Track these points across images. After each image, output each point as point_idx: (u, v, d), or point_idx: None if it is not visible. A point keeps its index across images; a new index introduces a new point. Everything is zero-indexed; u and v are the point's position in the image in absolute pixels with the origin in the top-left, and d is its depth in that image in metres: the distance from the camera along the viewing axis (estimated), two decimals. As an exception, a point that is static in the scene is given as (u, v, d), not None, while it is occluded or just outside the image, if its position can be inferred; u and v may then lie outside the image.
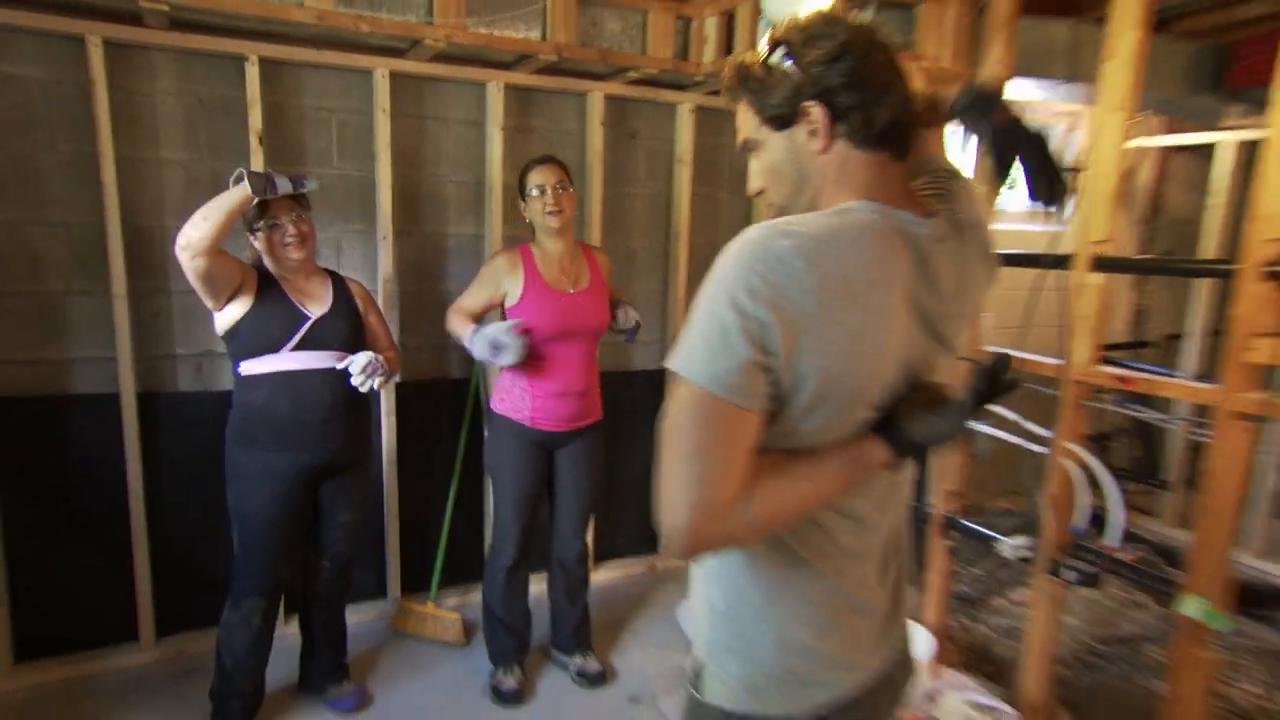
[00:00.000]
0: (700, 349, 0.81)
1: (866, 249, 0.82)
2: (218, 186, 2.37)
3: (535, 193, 2.22)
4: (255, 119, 2.37)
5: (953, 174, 0.99)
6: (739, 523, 0.81)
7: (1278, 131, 1.63)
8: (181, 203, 2.37)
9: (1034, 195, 0.82)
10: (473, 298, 2.30)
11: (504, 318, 2.27)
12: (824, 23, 0.88)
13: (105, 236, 2.26)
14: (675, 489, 0.80)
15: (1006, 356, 0.84)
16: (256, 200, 1.94)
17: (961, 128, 0.88)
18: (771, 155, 0.94)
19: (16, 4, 2.10)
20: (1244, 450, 1.77)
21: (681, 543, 0.81)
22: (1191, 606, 1.78)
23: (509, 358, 2.15)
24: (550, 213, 2.21)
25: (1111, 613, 2.73)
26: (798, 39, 0.87)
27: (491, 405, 2.36)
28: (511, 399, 2.30)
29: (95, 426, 2.35)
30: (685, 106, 3.01)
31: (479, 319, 2.30)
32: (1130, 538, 3.52)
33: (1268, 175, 1.67)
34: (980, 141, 0.85)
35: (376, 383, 2.07)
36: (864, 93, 0.86)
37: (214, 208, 1.86)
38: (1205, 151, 3.65)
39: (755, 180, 0.98)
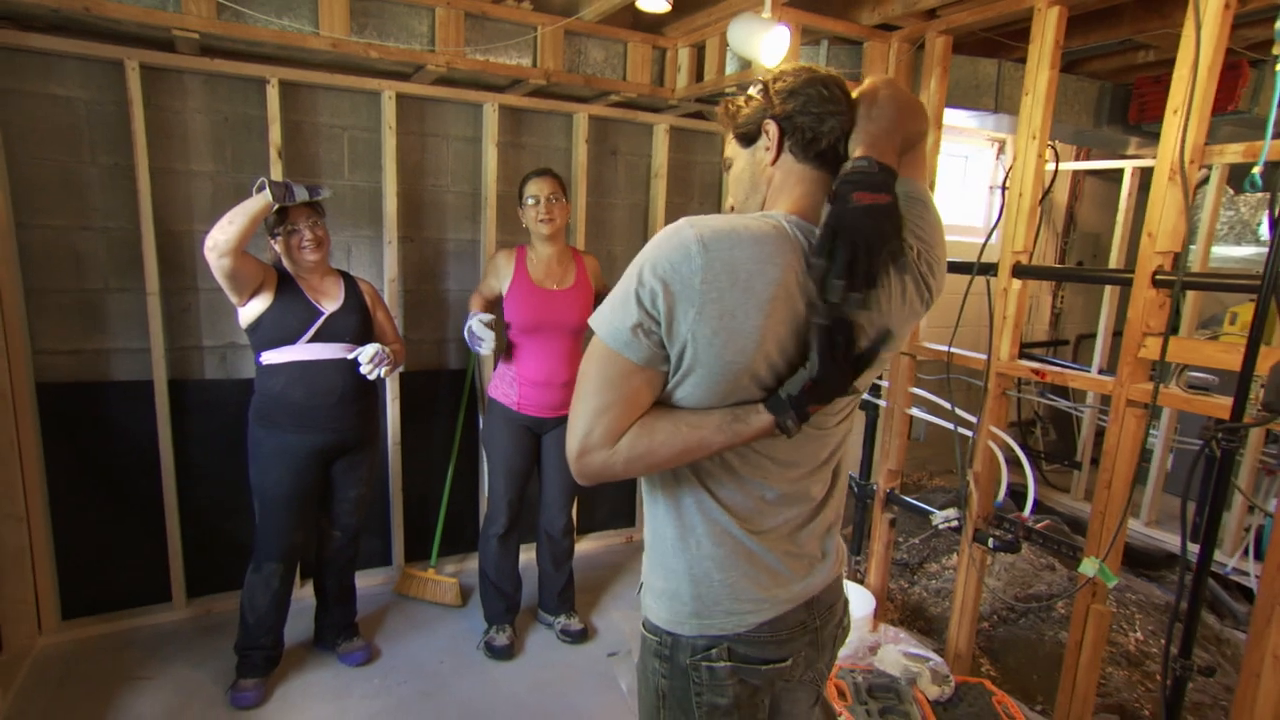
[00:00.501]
0: (607, 310, 0.91)
1: (760, 246, 0.88)
2: (241, 195, 2.40)
3: (531, 201, 2.25)
4: (275, 135, 2.40)
5: (919, 200, 1.03)
6: (617, 458, 0.91)
7: (1162, 161, 1.73)
8: (209, 210, 2.39)
9: (836, 278, 0.83)
10: (485, 285, 2.41)
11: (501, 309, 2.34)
12: (794, 69, 1.01)
13: (140, 240, 2.27)
14: (571, 422, 0.92)
15: (847, 321, 0.88)
16: (276, 207, 1.97)
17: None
18: (738, 166, 1.05)
19: (63, 32, 2.11)
20: (1135, 433, 1.87)
21: (572, 467, 0.93)
22: (1088, 566, 1.88)
23: (485, 348, 2.25)
24: (542, 220, 2.25)
25: (1027, 575, 2.84)
26: (772, 76, 1.01)
27: (489, 391, 2.41)
28: (503, 386, 2.35)
29: (131, 410, 2.37)
30: (661, 126, 3.07)
31: (491, 305, 2.38)
32: (1044, 510, 3.66)
33: (1154, 199, 1.77)
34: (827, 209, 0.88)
35: (383, 371, 2.10)
36: (813, 116, 0.97)
37: (238, 213, 1.89)
38: (1115, 174, 3.79)
39: (728, 191, 1.09)
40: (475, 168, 2.81)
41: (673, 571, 1.02)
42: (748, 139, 1.03)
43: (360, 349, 2.09)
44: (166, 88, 2.29)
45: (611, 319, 0.90)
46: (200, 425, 2.48)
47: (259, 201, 1.91)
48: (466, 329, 2.28)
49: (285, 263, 2.09)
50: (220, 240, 1.87)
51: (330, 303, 2.11)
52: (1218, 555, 3.09)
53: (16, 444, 2.19)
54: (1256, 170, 1.25)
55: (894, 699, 2.02)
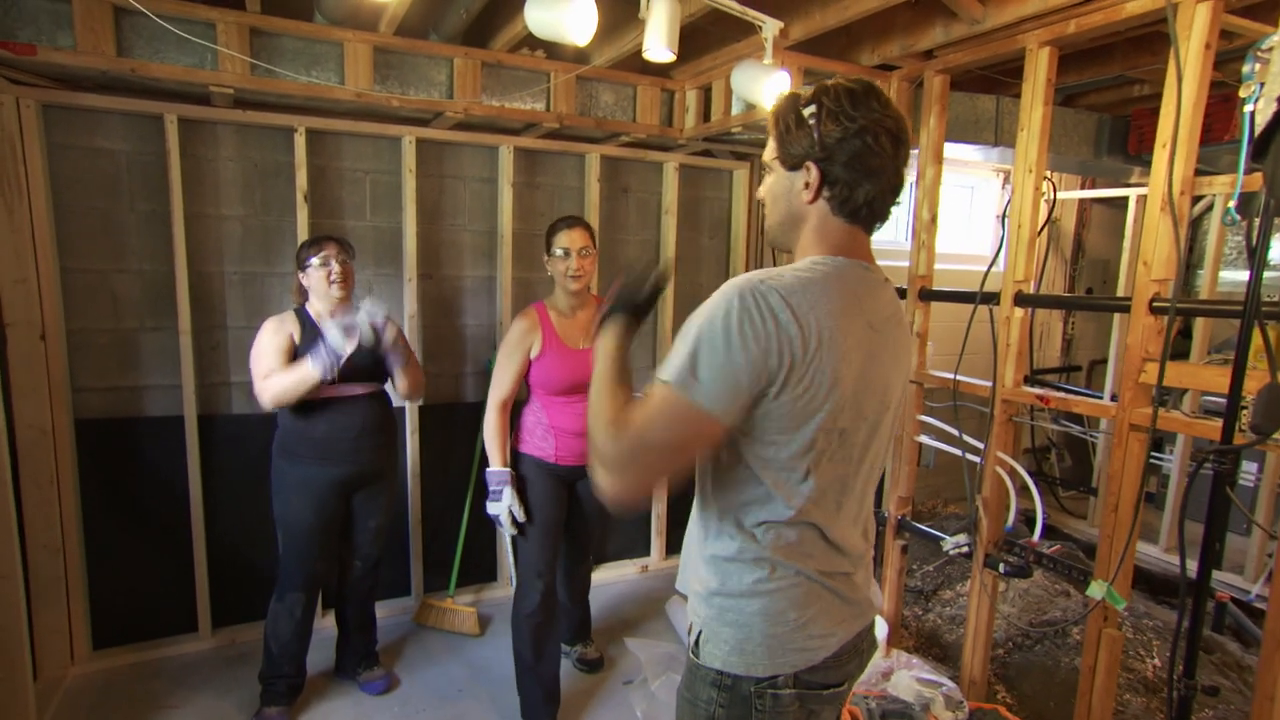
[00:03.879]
0: (693, 363, 0.92)
1: (834, 299, 0.95)
2: (267, 238, 2.55)
3: (560, 253, 2.14)
4: (301, 180, 2.53)
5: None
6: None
7: (1154, 193, 1.80)
8: (238, 251, 2.52)
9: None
10: (507, 373, 2.18)
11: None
12: (852, 103, 0.96)
13: (174, 281, 2.40)
14: (637, 472, 0.95)
15: (655, 273, 1.10)
16: (310, 247, 2.10)
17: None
18: (775, 184, 1.05)
19: (109, 91, 2.27)
20: (1138, 456, 1.91)
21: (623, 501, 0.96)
22: (1096, 589, 1.91)
23: (502, 516, 2.16)
24: (572, 276, 2.14)
25: (1042, 601, 2.84)
26: (828, 108, 0.96)
27: (518, 449, 2.25)
28: (535, 439, 2.22)
29: (163, 444, 2.47)
30: (670, 165, 3.18)
31: (511, 403, 2.22)
32: (1060, 536, 3.66)
33: (1148, 229, 1.84)
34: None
35: (389, 335, 2.14)
36: (854, 173, 0.96)
37: (293, 383, 2.03)
38: (1121, 202, 3.85)
39: (763, 192, 1.08)
40: (492, 207, 2.92)
41: (744, 616, 1.02)
42: (792, 164, 1.01)
43: (363, 301, 2.11)
44: (201, 138, 2.44)
45: (697, 373, 0.92)
46: (227, 459, 2.57)
47: (313, 375, 2.01)
48: (492, 498, 2.17)
49: (310, 300, 2.17)
50: (273, 401, 2.06)
51: (350, 342, 2.14)
52: (1240, 582, 3.07)
53: (56, 479, 2.30)
54: (1232, 205, 1.32)
55: (908, 726, 2.04)
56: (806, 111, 0.97)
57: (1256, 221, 1.22)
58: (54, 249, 2.28)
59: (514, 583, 2.30)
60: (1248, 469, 3.39)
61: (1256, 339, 1.39)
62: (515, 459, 2.23)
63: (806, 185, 0.99)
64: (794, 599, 1.01)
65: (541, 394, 2.23)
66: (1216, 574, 3.23)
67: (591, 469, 0.97)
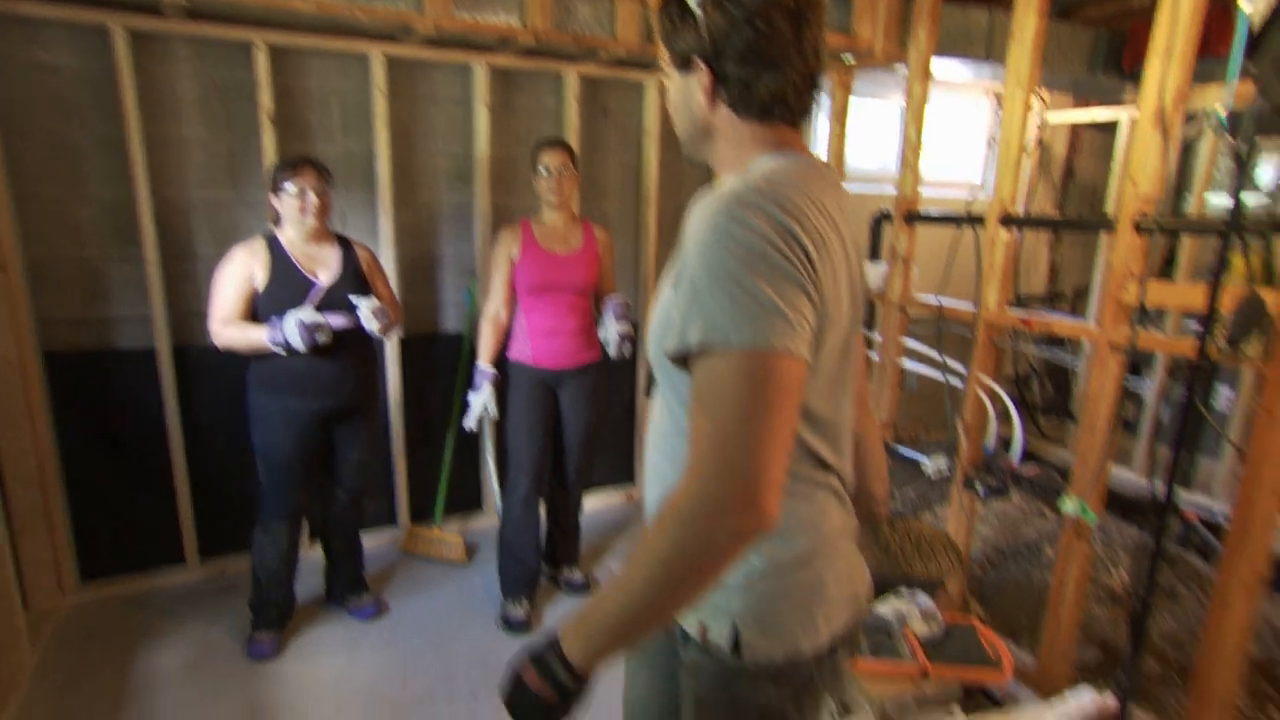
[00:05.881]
0: (754, 307, 0.72)
1: (816, 196, 0.80)
2: (233, 160, 2.47)
3: (543, 172, 2.33)
4: (265, 99, 2.43)
5: None
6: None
7: (1146, 107, 1.77)
8: (204, 176, 2.44)
9: None
10: (495, 285, 2.40)
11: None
12: None
13: (136, 208, 2.33)
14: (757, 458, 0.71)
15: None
16: (286, 170, 2.05)
17: None
18: (674, 92, 0.91)
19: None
20: (1115, 376, 1.95)
21: (740, 524, 0.70)
22: (1069, 505, 1.97)
23: (470, 416, 2.42)
24: (552, 192, 2.34)
25: (1018, 522, 2.94)
26: None
27: (509, 355, 2.45)
28: (517, 344, 2.42)
29: (137, 377, 2.44)
30: (651, 85, 3.09)
31: (512, 303, 2.42)
32: (1040, 462, 3.77)
33: (1138, 144, 1.82)
34: None
35: (377, 327, 2.12)
36: (750, 67, 0.82)
37: (246, 340, 2.05)
38: (1112, 127, 3.80)
39: (669, 103, 0.94)
40: (467, 130, 2.83)
41: (803, 591, 0.90)
42: (683, 65, 0.87)
43: (361, 299, 2.13)
44: (154, 53, 2.32)
45: (759, 315, 0.72)
46: (206, 391, 2.55)
47: (265, 348, 2.04)
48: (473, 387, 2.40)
49: (283, 225, 2.11)
50: (222, 348, 2.10)
51: (325, 273, 2.13)
52: (1210, 503, 3.19)
53: (28, 411, 2.27)
54: (1221, 109, 1.30)
55: (885, 637, 2.13)
56: (691, 1, 0.83)
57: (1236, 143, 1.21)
58: (4, 173, 2.19)
59: (499, 510, 2.39)
60: (1222, 391, 3.47)
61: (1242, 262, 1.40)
62: (503, 366, 2.45)
63: (703, 89, 0.85)
64: (831, 562, 0.91)
65: (522, 296, 2.40)
66: (1186, 494, 3.35)
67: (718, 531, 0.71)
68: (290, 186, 2.05)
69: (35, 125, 2.22)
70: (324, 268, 2.16)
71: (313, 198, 2.07)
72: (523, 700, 0.79)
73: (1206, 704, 1.76)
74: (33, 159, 2.23)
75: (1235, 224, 1.25)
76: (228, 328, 2.06)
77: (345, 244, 2.24)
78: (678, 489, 0.72)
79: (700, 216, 0.78)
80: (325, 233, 2.19)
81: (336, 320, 2.08)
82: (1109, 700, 1.86)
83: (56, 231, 2.30)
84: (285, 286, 2.08)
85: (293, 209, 2.07)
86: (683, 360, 0.77)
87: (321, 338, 2.03)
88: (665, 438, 0.93)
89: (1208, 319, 1.31)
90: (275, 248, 2.10)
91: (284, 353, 2.04)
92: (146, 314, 2.42)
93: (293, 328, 1.99)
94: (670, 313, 0.79)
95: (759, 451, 0.70)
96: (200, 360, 2.54)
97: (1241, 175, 1.22)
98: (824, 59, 0.87)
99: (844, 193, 0.91)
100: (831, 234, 0.81)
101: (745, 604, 0.88)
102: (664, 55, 0.90)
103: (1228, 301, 1.49)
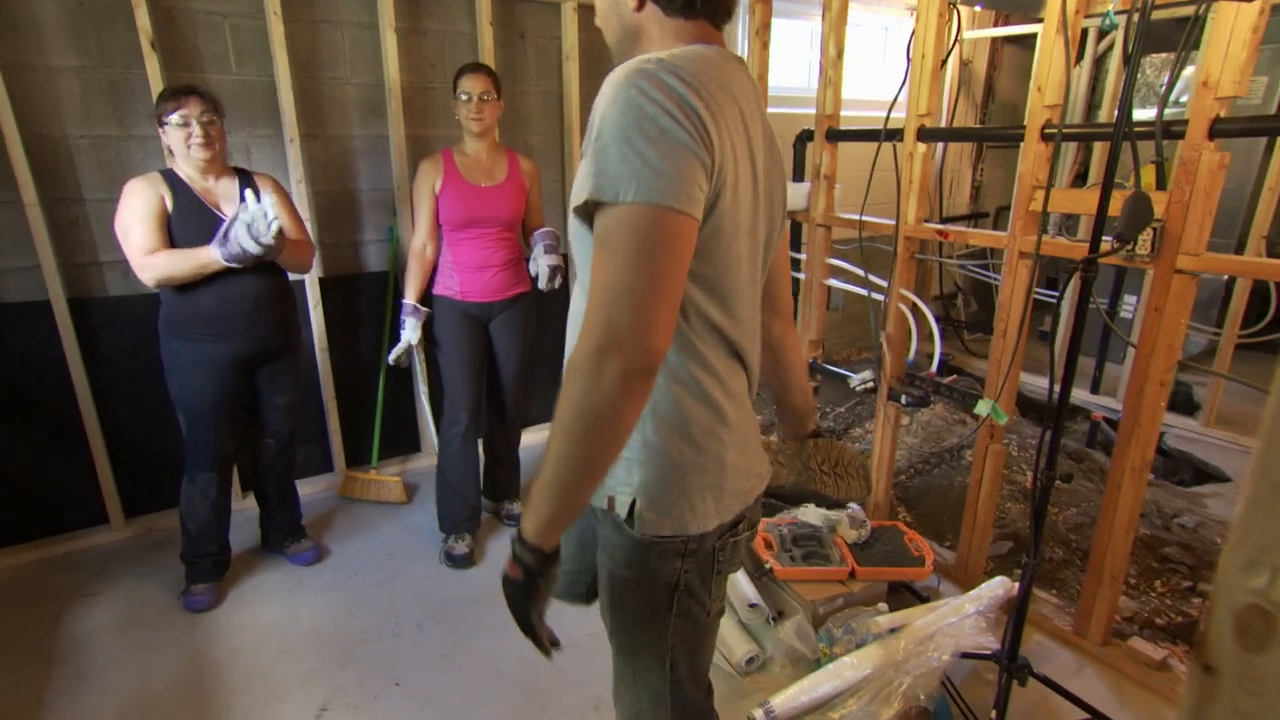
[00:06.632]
0: (640, 165, 0.76)
1: (720, 74, 0.85)
2: (115, 95, 2.29)
3: (463, 98, 2.24)
4: (144, 21, 2.22)
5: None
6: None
7: (1050, 15, 1.80)
8: (80, 110, 2.25)
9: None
10: (419, 216, 2.34)
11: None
12: None
13: (4, 145, 2.14)
14: (602, 316, 0.76)
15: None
16: (168, 100, 1.91)
17: None
18: (601, 2, 0.95)
19: None
20: (1025, 283, 2.04)
21: (614, 370, 0.75)
22: (983, 407, 2.09)
23: (396, 349, 2.39)
24: (473, 119, 2.26)
25: (940, 431, 3.10)
26: None
27: (434, 290, 2.40)
28: (444, 279, 2.37)
29: (33, 332, 2.29)
30: (569, 5, 2.96)
31: (438, 236, 2.35)
32: (964, 375, 3.95)
33: (1043, 52, 1.86)
34: None
35: (274, 228, 1.90)
36: None
37: (187, 271, 1.94)
38: (1031, 42, 3.86)
39: (598, 17, 0.98)
40: (375, 57, 2.68)
41: (697, 475, 0.95)
42: None
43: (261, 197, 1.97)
44: (8, -29, 2.10)
45: (658, 176, 0.76)
46: (112, 344, 2.43)
47: (216, 265, 1.94)
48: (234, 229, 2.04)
49: (177, 161, 2.00)
50: (159, 278, 1.94)
51: (229, 205, 2.04)
52: (1114, 404, 3.42)
53: (-90, 374, 2.13)
54: (1110, 8, 1.34)
55: (816, 545, 2.24)
56: None
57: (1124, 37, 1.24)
58: None
59: (436, 448, 2.38)
60: (1128, 300, 3.68)
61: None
62: (430, 302, 2.41)
63: None
64: (737, 440, 0.98)
65: (446, 231, 2.34)
66: (1093, 397, 3.58)
67: (609, 372, 0.76)
68: (174, 118, 1.93)
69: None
70: (227, 201, 2.06)
71: (197, 128, 1.94)
72: (506, 588, 0.88)
73: (1099, 578, 1.93)
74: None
75: (1124, 129, 1.30)
76: (158, 256, 1.92)
77: (245, 175, 2.14)
78: (576, 344, 0.78)
79: (607, 84, 0.82)
80: (222, 165, 2.08)
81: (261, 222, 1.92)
82: (1017, 586, 2.01)
83: (-82, 176, 2.10)
84: (191, 221, 1.99)
85: (179, 141, 1.95)
86: (588, 220, 0.82)
87: (261, 231, 1.89)
88: (575, 316, 0.97)
89: (1098, 220, 1.38)
90: (174, 181, 1.99)
91: (238, 264, 1.94)
92: (34, 263, 2.25)
93: (242, 232, 1.89)
94: (580, 176, 0.82)
95: (641, 295, 0.75)
96: (103, 312, 2.40)
97: (1129, 78, 1.26)
98: None
99: (755, 85, 0.96)
100: (733, 110, 0.85)
101: (642, 478, 0.94)
102: None
103: (1119, 204, 1.57)
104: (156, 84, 2.27)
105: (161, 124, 1.95)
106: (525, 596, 0.86)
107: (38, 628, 2.13)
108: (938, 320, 2.54)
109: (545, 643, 0.91)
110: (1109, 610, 1.96)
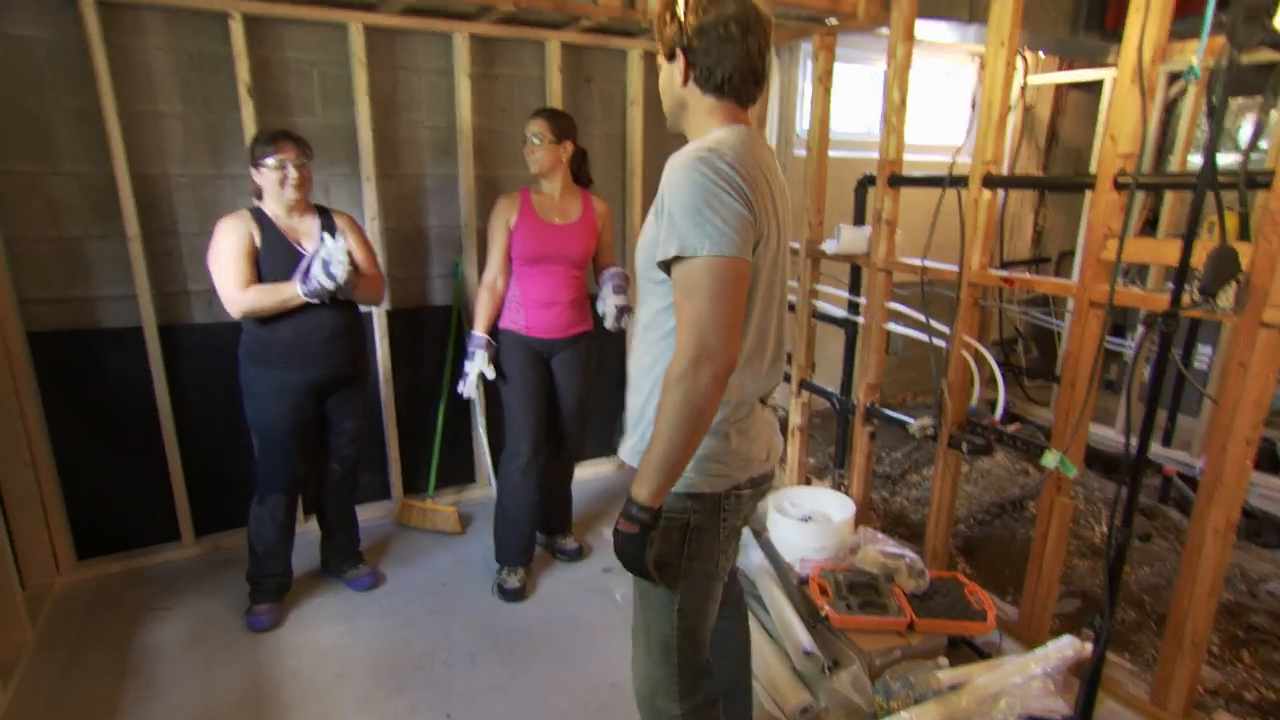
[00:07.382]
0: (710, 228, 1.06)
1: (749, 155, 1.16)
2: (212, 137, 2.45)
3: (525, 142, 2.33)
4: (243, 72, 2.40)
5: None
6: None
7: (1125, 63, 1.79)
8: (182, 152, 2.42)
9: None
10: (492, 252, 2.40)
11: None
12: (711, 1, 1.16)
13: (115, 184, 2.30)
14: (701, 338, 1.07)
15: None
16: (265, 144, 2.05)
17: None
18: (663, 76, 1.26)
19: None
20: (1095, 333, 1.99)
21: (699, 384, 1.07)
22: (1050, 458, 2.02)
23: (466, 384, 2.43)
24: (528, 159, 2.34)
25: (1002, 480, 3.01)
26: (689, 2, 1.17)
27: (501, 324, 2.45)
28: (511, 314, 2.42)
29: (124, 356, 2.44)
30: (635, 52, 3.06)
31: (509, 271, 2.42)
32: (1024, 423, 3.84)
33: (1117, 100, 1.84)
34: None
35: (341, 270, 2.05)
36: (711, 56, 1.18)
37: (273, 305, 2.07)
38: (1095, 88, 3.81)
39: (660, 84, 1.28)
40: (449, 101, 2.81)
41: (705, 450, 1.22)
42: (670, 55, 1.22)
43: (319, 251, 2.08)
44: (125, 24, 2.28)
45: (722, 233, 1.07)
46: (195, 369, 2.55)
47: (297, 300, 2.07)
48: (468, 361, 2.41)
49: (265, 198, 2.12)
50: (244, 314, 2.08)
51: (310, 242, 2.16)
52: (1191, 460, 3.27)
53: (15, 392, 2.27)
54: (1195, 61, 1.32)
55: (873, 593, 2.19)
56: (678, 8, 1.18)
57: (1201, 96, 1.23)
58: (-24, 149, 2.16)
59: (492, 480, 2.40)
60: (1203, 351, 3.54)
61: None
62: (496, 335, 2.47)
63: (680, 71, 1.20)
64: (743, 428, 1.27)
65: (517, 265, 2.40)
66: (1165, 451, 3.42)
67: (703, 377, 1.07)
68: (270, 160, 2.05)
69: (6, 100, 2.19)
70: (308, 238, 2.17)
71: (292, 171, 2.07)
72: (620, 540, 1.16)
73: (1179, 646, 1.83)
74: (5, 134, 2.20)
75: (1208, 179, 1.28)
76: (247, 292, 2.06)
77: (324, 213, 2.25)
78: (673, 360, 1.08)
79: (672, 168, 1.13)
80: (306, 205, 2.20)
81: (335, 259, 2.07)
82: (1088, 647, 1.92)
83: (32, 208, 2.28)
84: (276, 256, 2.10)
85: (273, 183, 2.07)
86: (666, 268, 1.14)
87: (338, 271, 2.04)
88: (645, 329, 1.27)
89: (1180, 272, 1.34)
90: (262, 219, 2.11)
91: (317, 301, 2.07)
92: (131, 292, 2.41)
93: (320, 270, 2.03)
94: (656, 236, 1.14)
95: (720, 320, 1.07)
96: (189, 339, 2.54)
97: (1215, 129, 1.25)
98: (767, 60, 1.22)
99: (773, 153, 1.29)
100: (762, 180, 1.17)
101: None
102: (660, 49, 1.24)
103: (1202, 256, 1.53)
104: (250, 127, 2.43)
105: (257, 166, 2.07)
106: (640, 544, 1.14)
107: (110, 640, 2.23)
108: (1000, 366, 2.49)
109: (655, 576, 1.20)
110: (1191, 680, 1.85)
